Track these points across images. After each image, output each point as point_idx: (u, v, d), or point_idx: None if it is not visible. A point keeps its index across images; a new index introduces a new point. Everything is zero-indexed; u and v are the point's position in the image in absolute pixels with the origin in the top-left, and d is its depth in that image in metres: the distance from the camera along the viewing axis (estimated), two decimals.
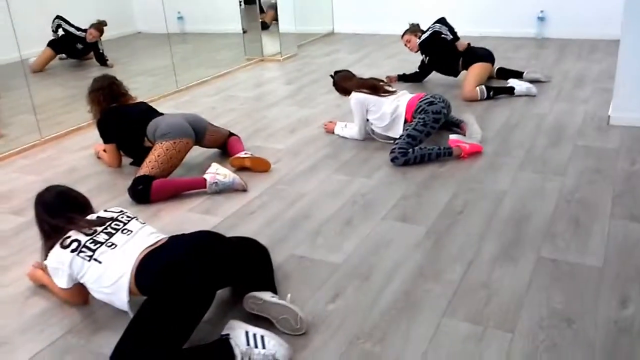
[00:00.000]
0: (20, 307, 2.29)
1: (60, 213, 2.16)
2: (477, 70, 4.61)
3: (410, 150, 3.36)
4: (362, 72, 4.52)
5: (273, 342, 1.87)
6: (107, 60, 6.63)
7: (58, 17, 6.65)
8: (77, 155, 3.91)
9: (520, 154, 3.45)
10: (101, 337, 2.07)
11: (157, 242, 2.09)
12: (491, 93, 4.51)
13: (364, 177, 3.28)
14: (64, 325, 2.15)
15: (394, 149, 3.38)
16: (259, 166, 3.41)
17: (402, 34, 4.93)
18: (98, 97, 3.47)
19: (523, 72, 4.88)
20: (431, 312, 2.10)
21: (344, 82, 3.86)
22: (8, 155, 3.97)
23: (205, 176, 3.17)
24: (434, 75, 5.04)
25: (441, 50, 4.76)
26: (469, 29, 7.02)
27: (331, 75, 3.98)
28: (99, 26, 6.58)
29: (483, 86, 4.51)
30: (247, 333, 1.89)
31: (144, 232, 2.15)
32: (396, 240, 2.60)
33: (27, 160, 3.90)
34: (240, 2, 7.02)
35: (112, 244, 2.07)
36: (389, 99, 3.64)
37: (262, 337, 1.88)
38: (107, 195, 3.22)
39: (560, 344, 1.90)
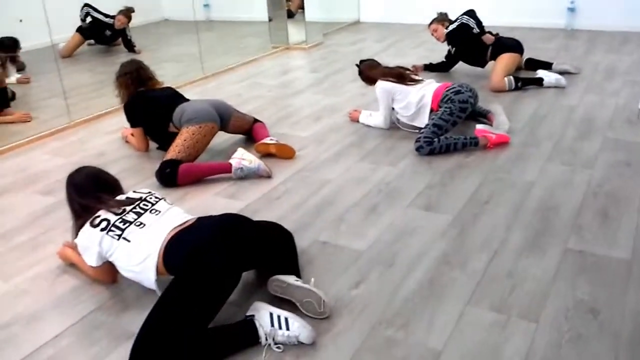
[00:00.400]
0: (52, 284, 2.35)
1: (90, 193, 2.20)
2: (506, 60, 4.55)
3: (436, 139, 3.35)
4: (388, 61, 4.50)
5: (297, 324, 1.89)
6: (135, 46, 6.71)
7: (86, 4, 6.74)
8: (106, 139, 3.98)
9: (548, 146, 3.41)
10: (129, 314, 2.11)
11: (185, 223, 2.12)
12: (519, 84, 4.45)
13: (388, 165, 3.27)
14: (94, 302, 2.20)
15: (419, 138, 3.37)
16: (284, 153, 3.42)
17: (429, 23, 4.89)
18: (126, 81, 3.52)
19: (552, 63, 4.81)
20: (455, 300, 2.09)
21: (370, 71, 3.85)
22: (40, 137, 4.06)
23: (231, 161, 3.20)
24: (461, 66, 4.99)
25: (468, 41, 4.71)
26: (497, 19, 6.93)
27: (357, 64, 3.97)
28: (127, 13, 6.66)
29: (511, 77, 4.45)
30: (271, 315, 1.91)
31: (172, 213, 2.18)
32: (421, 229, 2.59)
33: (58, 142, 3.98)
34: None
35: (141, 223, 2.10)
36: (415, 87, 3.61)
37: (286, 319, 1.90)
38: (135, 179, 3.27)
39: (585, 335, 1.88)
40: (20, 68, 5.51)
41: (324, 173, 3.23)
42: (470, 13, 4.72)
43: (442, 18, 4.81)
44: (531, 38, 6.02)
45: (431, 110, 3.53)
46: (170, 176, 3.11)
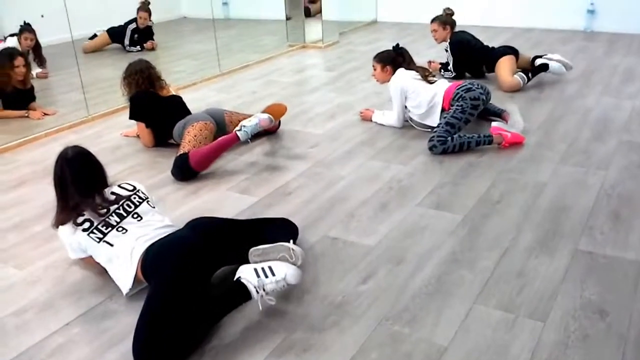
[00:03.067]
0: (64, 273, 2.39)
1: (81, 187, 2.20)
2: (504, 64, 4.58)
3: (449, 138, 3.34)
4: None
5: (281, 267, 1.97)
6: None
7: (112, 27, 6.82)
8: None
9: (562, 147, 3.38)
10: (139, 304, 2.13)
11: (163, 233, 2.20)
12: (530, 75, 4.51)
13: (400, 163, 3.27)
14: (104, 292, 2.24)
15: (433, 137, 3.36)
16: (276, 112, 3.48)
17: (431, 19, 4.86)
18: (137, 80, 3.56)
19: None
20: (463, 298, 2.09)
21: (397, 58, 3.80)
22: (58, 130, 4.13)
23: (235, 130, 3.24)
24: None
25: (465, 57, 4.75)
26: (514, 20, 6.91)
27: (394, 47, 3.90)
28: (144, 6, 6.68)
29: (520, 72, 4.47)
30: (255, 270, 1.98)
31: (153, 221, 2.24)
32: (431, 227, 2.59)
33: (76, 135, 4.04)
34: None
35: (123, 228, 2.18)
36: (427, 86, 3.61)
37: (269, 267, 1.97)
38: (148, 173, 3.31)
39: (592, 335, 1.87)
40: (42, 63, 5.59)
41: (336, 170, 3.24)
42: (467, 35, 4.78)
43: (444, 20, 4.76)
44: (549, 40, 5.98)
45: (442, 110, 3.53)
46: (183, 165, 3.15)
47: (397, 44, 3.85)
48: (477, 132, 3.50)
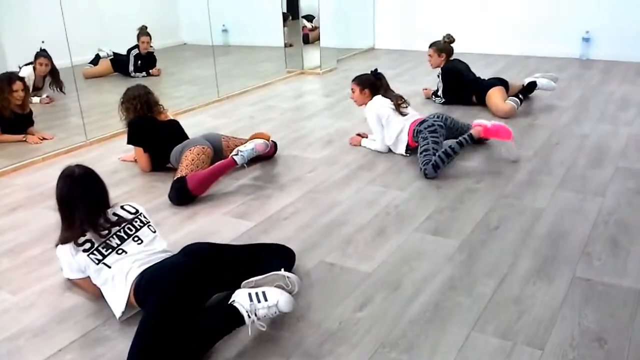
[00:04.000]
0: (58, 298, 2.36)
1: (89, 206, 2.19)
2: (495, 93, 4.64)
3: (432, 157, 3.38)
4: (401, 87, 4.54)
5: (274, 293, 1.95)
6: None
7: (115, 54, 6.91)
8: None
9: (560, 173, 3.39)
10: (132, 330, 2.11)
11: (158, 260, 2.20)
12: (520, 96, 4.61)
13: (397, 189, 3.27)
14: (98, 317, 2.22)
15: (420, 168, 3.39)
16: (260, 137, 3.55)
17: (429, 44, 4.93)
18: (135, 106, 3.57)
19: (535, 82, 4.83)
20: (460, 325, 2.07)
21: (373, 84, 3.87)
22: (56, 154, 4.14)
23: (231, 155, 3.30)
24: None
25: (455, 85, 4.82)
26: (511, 47, 6.99)
27: (372, 71, 3.99)
28: (144, 30, 6.73)
29: (512, 97, 4.56)
30: (249, 294, 1.97)
31: (153, 247, 2.24)
32: (428, 253, 2.58)
33: (74, 159, 4.00)
34: (285, 17, 7.16)
35: (123, 250, 2.18)
36: (398, 118, 3.73)
37: (263, 292, 1.96)
38: (145, 197, 3.30)
39: None
40: (60, 87, 5.57)
41: (334, 195, 3.24)
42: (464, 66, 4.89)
43: (441, 47, 4.83)
44: (545, 67, 6.04)
45: (408, 145, 3.69)
46: (182, 188, 3.15)
47: (376, 69, 3.96)
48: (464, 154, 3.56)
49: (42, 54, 5.42)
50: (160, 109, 3.67)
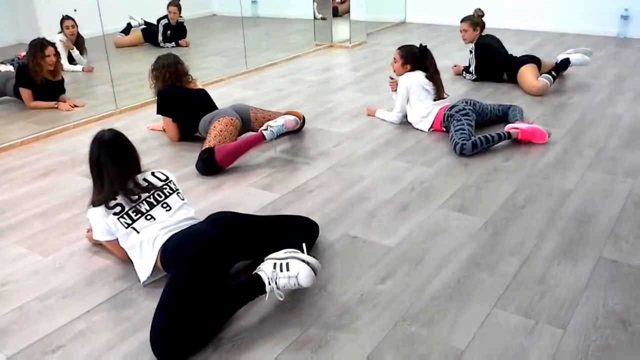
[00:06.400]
0: (87, 262, 2.43)
1: (116, 169, 2.23)
2: (526, 70, 4.55)
3: (472, 137, 3.36)
4: None
5: (296, 265, 1.95)
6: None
7: (146, 22, 6.99)
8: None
9: (591, 153, 3.32)
10: (159, 294, 2.16)
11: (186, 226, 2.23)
12: (553, 73, 4.50)
13: (423, 165, 3.25)
14: (125, 281, 2.27)
15: (455, 141, 3.35)
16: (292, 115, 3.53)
17: (462, 19, 4.82)
18: (164, 75, 3.59)
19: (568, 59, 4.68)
20: (482, 302, 2.07)
21: (418, 58, 3.82)
22: (87, 121, 4.21)
23: (261, 130, 3.29)
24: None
25: (488, 61, 4.73)
26: (545, 24, 6.81)
27: (421, 45, 3.91)
28: (175, 1, 6.76)
29: (545, 74, 4.46)
30: (274, 263, 1.99)
31: (181, 213, 2.28)
32: (452, 229, 2.57)
33: (105, 127, 4.07)
34: None
35: (151, 217, 2.22)
36: (428, 102, 3.72)
37: (287, 263, 1.97)
38: (173, 166, 3.34)
39: (613, 345, 1.83)
40: (83, 52, 5.71)
41: (359, 169, 3.23)
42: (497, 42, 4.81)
43: (475, 21, 4.73)
44: (580, 45, 5.85)
45: (432, 129, 3.71)
46: (208, 159, 3.18)
47: (425, 46, 3.83)
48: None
49: (67, 17, 5.53)
50: (190, 79, 3.69)
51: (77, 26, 5.56)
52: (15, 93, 4.62)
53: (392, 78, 4.02)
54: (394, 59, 3.88)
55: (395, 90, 3.96)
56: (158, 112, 3.66)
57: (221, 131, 3.34)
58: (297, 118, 3.40)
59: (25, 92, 4.54)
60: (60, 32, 5.51)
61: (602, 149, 3.38)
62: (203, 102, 3.63)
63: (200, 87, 3.79)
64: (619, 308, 2.01)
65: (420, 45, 3.84)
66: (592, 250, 2.36)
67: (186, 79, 3.66)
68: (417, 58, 3.78)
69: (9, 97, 4.72)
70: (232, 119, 3.43)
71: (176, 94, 3.60)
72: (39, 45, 4.49)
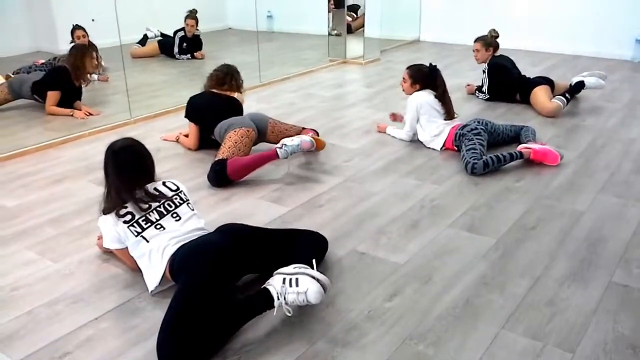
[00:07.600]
0: (97, 269, 2.45)
1: (121, 179, 2.27)
2: (540, 91, 4.55)
3: (484, 156, 3.37)
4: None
5: (305, 281, 1.95)
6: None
7: (162, 34, 7.08)
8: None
9: (603, 177, 3.31)
10: (166, 303, 2.17)
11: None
12: (567, 96, 4.50)
13: (434, 183, 3.25)
14: (134, 290, 2.28)
15: (467, 160, 3.35)
16: (319, 144, 3.52)
17: (475, 39, 4.84)
18: (211, 77, 3.73)
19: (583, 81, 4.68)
20: (490, 323, 2.06)
21: (426, 78, 3.82)
22: (102, 130, 4.26)
23: (275, 147, 3.26)
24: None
25: (500, 82, 4.74)
26: (562, 47, 6.82)
27: (431, 65, 3.92)
28: (192, 14, 6.84)
29: (559, 96, 4.45)
30: (284, 279, 1.99)
31: (190, 224, 2.29)
32: (462, 249, 2.56)
33: (119, 136, 4.11)
34: (330, 4, 7.15)
35: (161, 226, 2.23)
36: (439, 121, 3.73)
37: (296, 279, 1.97)
38: (185, 176, 3.36)
39: None
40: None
41: (369, 185, 3.24)
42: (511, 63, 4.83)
43: (488, 42, 4.75)
44: (594, 68, 5.85)
45: (444, 147, 3.70)
46: (220, 171, 3.20)
47: (434, 65, 3.85)
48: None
49: (78, 26, 5.61)
50: (228, 88, 3.72)
51: (87, 36, 5.60)
52: (33, 95, 4.69)
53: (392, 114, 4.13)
54: (403, 78, 3.90)
55: (394, 120, 4.06)
56: (187, 117, 3.73)
57: (236, 142, 3.35)
58: (313, 140, 3.34)
59: (54, 95, 4.60)
60: (71, 42, 5.57)
61: (614, 173, 3.36)
62: (226, 110, 3.63)
63: (236, 96, 3.80)
64: (628, 333, 1.99)
65: (430, 64, 3.85)
66: (603, 274, 2.34)
67: (226, 87, 3.71)
68: (426, 77, 3.80)
69: (25, 99, 4.78)
70: (248, 130, 3.43)
71: (202, 98, 3.68)
72: (85, 47, 4.71)
